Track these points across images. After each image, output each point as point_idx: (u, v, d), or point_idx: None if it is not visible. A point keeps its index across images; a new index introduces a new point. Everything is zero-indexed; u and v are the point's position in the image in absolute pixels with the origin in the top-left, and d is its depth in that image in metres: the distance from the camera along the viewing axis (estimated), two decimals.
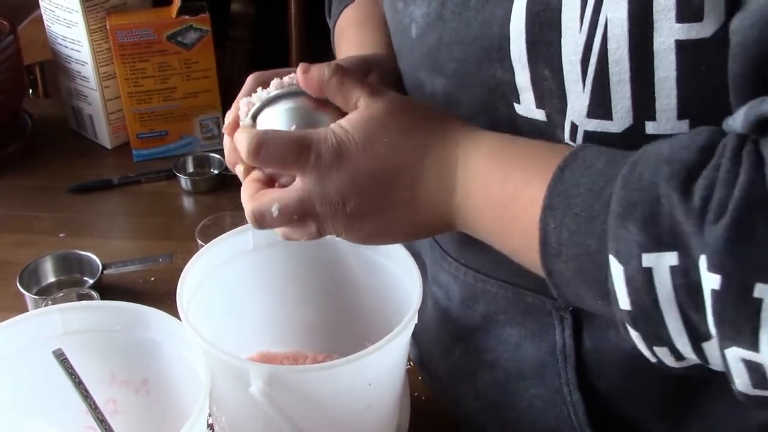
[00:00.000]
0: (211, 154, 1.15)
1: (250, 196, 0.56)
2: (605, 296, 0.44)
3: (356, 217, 0.53)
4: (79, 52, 1.15)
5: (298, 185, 0.54)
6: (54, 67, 1.24)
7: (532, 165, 0.49)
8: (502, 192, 0.50)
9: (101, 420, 0.61)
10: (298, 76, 0.56)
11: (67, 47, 1.16)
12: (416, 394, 0.77)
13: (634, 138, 0.47)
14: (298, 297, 0.75)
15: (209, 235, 0.84)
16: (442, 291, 0.67)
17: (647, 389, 0.58)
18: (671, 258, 0.40)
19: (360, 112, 0.54)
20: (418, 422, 0.73)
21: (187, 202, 1.11)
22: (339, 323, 0.75)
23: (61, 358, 0.62)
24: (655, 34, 0.44)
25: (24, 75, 1.25)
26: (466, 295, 0.64)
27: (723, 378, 0.43)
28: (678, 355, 0.43)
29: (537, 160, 0.50)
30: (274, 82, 0.58)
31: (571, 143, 0.50)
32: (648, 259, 0.40)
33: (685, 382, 0.57)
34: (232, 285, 0.71)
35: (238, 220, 0.96)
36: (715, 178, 0.39)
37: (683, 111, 0.46)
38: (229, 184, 1.12)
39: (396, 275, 0.68)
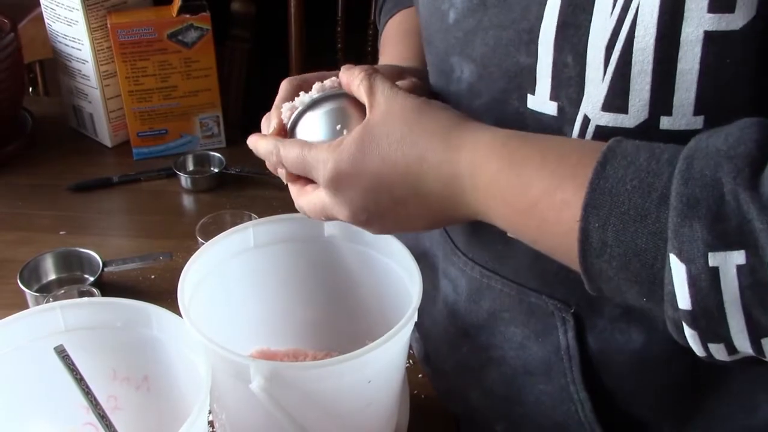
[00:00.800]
0: (211, 153, 1.16)
1: (294, 197, 0.61)
2: (651, 295, 0.43)
3: (374, 222, 0.56)
4: (80, 50, 1.15)
5: (317, 196, 0.58)
6: (54, 65, 1.24)
7: (555, 167, 0.47)
8: (526, 199, 0.48)
9: (102, 416, 0.61)
10: (340, 75, 0.58)
11: (67, 45, 1.17)
12: (416, 392, 0.77)
13: (647, 134, 0.47)
14: (299, 295, 0.75)
15: (209, 233, 0.84)
16: (451, 285, 0.68)
17: (654, 388, 0.59)
18: (739, 257, 0.39)
19: (363, 123, 0.55)
20: (418, 420, 0.73)
21: (187, 201, 1.11)
22: (339, 321, 0.75)
23: (62, 354, 0.62)
24: (684, 23, 0.45)
25: (24, 73, 1.25)
26: (473, 291, 0.65)
27: (731, 377, 0.43)
28: (732, 350, 0.42)
29: (559, 162, 0.48)
30: (316, 85, 0.60)
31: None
32: (715, 259, 0.39)
33: (691, 381, 0.57)
34: (233, 283, 0.72)
35: (238, 218, 0.97)
36: None
37: (700, 106, 0.46)
38: (228, 182, 1.12)
39: (396, 273, 0.68)
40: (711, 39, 0.45)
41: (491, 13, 0.54)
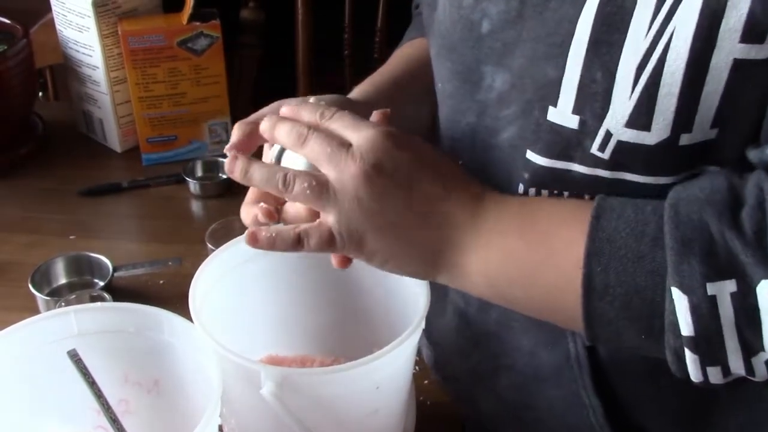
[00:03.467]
0: (220, 159, 1.16)
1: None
2: (650, 330, 0.48)
3: (378, 206, 0.53)
4: (91, 56, 1.16)
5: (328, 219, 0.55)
6: (64, 71, 1.25)
7: (557, 212, 0.54)
8: (536, 229, 0.54)
9: (114, 420, 0.62)
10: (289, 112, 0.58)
11: (78, 51, 1.18)
12: (421, 398, 0.78)
13: (666, 150, 0.50)
14: (307, 301, 0.76)
15: (218, 239, 0.85)
16: (461, 295, 0.68)
17: (665, 396, 0.60)
18: (731, 285, 0.45)
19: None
20: (424, 426, 0.74)
21: (196, 207, 1.12)
22: (347, 328, 0.76)
23: (75, 358, 0.63)
24: (715, 51, 0.47)
25: (36, 78, 1.26)
26: (482, 301, 0.65)
27: (741, 390, 0.46)
28: (726, 372, 0.47)
29: (549, 221, 0.54)
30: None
31: (599, 153, 0.52)
32: (712, 288, 0.46)
33: (702, 390, 0.58)
34: (243, 289, 0.72)
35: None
36: (765, 213, 0.45)
37: (717, 121, 0.49)
38: (237, 189, 1.12)
39: (404, 281, 0.69)
40: (738, 66, 0.47)
41: (528, 25, 0.54)
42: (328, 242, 0.54)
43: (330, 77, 1.96)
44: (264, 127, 0.58)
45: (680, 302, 0.46)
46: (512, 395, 0.67)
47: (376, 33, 1.82)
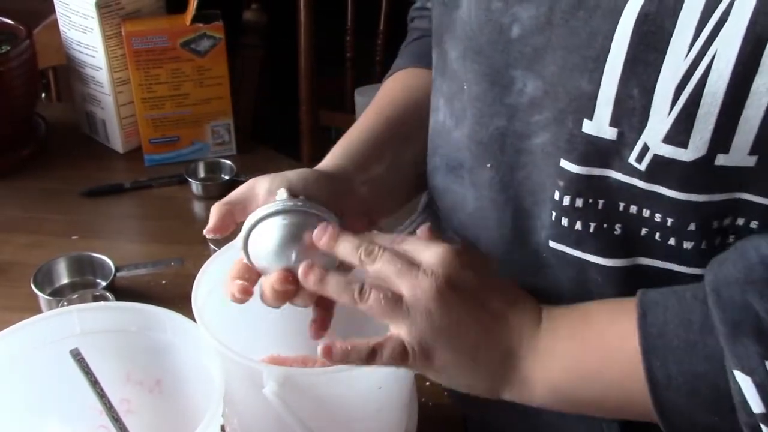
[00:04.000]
0: (222, 160, 1.17)
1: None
2: (720, 410, 0.50)
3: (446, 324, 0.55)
4: (94, 57, 1.16)
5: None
6: (67, 72, 1.26)
7: (605, 313, 0.56)
8: (592, 329, 0.56)
9: (116, 419, 0.62)
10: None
11: (81, 52, 1.18)
12: (423, 399, 0.78)
13: (701, 168, 0.50)
14: None
15: (220, 240, 0.85)
16: None
17: None
18: None
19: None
20: (425, 427, 0.74)
21: (198, 207, 1.12)
22: (349, 329, 0.76)
23: (77, 357, 0.63)
24: (757, 75, 0.46)
25: (39, 79, 1.27)
26: None
27: None
28: None
29: (600, 318, 0.56)
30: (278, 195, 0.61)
31: (636, 164, 0.52)
32: None
33: None
34: None
35: None
36: None
37: (756, 147, 0.49)
38: None
39: None
40: None
41: (557, 33, 0.54)
42: (401, 356, 0.55)
43: (332, 79, 1.96)
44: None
45: (745, 383, 0.48)
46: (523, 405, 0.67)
47: (378, 35, 1.82)
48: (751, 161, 0.49)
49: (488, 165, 0.62)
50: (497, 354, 0.56)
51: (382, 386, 0.63)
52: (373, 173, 0.71)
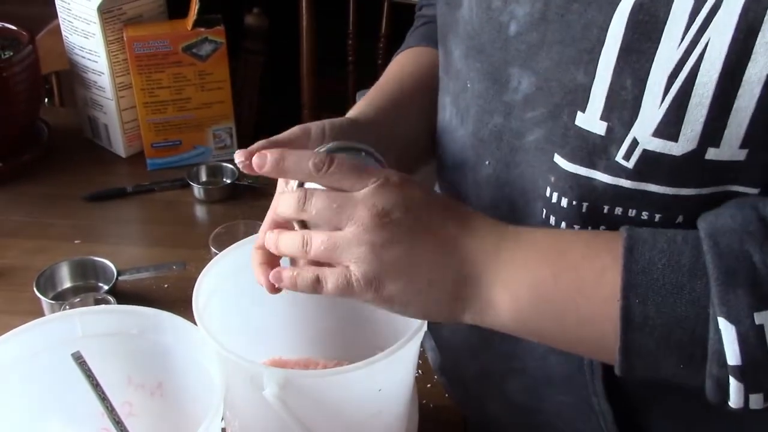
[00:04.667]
0: (224, 164, 1.17)
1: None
2: (690, 360, 0.49)
3: (392, 230, 0.53)
4: (96, 62, 1.17)
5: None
6: (70, 77, 1.26)
7: (588, 243, 0.53)
8: (566, 260, 0.53)
9: (118, 422, 0.62)
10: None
11: (84, 57, 1.19)
12: (424, 401, 0.78)
13: (691, 163, 0.50)
14: (310, 304, 0.76)
15: (222, 243, 0.86)
16: None
17: (676, 401, 0.60)
18: None
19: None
20: (426, 429, 0.74)
21: (200, 211, 1.13)
22: (350, 331, 0.76)
23: (79, 360, 0.63)
24: (750, 63, 0.46)
25: (42, 84, 1.27)
26: None
27: None
28: (767, 398, 0.48)
29: (588, 242, 0.53)
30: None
31: (623, 162, 0.52)
32: (759, 317, 0.46)
33: None
34: (246, 292, 0.72)
35: (251, 228, 0.98)
36: None
37: (747, 141, 0.48)
38: (241, 193, 1.14)
39: None
40: None
41: (552, 28, 0.54)
42: (345, 287, 0.54)
43: (334, 83, 1.97)
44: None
45: (727, 332, 0.47)
46: (521, 398, 0.67)
47: (380, 38, 1.82)
48: (742, 155, 0.49)
49: (486, 162, 0.63)
50: (452, 279, 0.54)
51: (382, 388, 0.63)
52: (400, 131, 0.71)
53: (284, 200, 0.57)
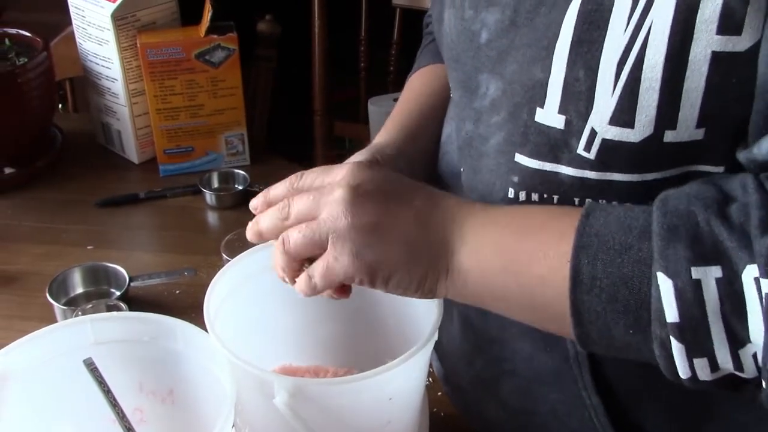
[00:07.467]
0: (236, 170, 1.18)
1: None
2: (638, 323, 0.48)
3: (360, 204, 0.55)
4: (110, 69, 1.18)
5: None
6: (83, 83, 1.27)
7: (549, 210, 0.55)
8: (527, 222, 0.54)
9: (129, 428, 0.62)
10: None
11: (97, 64, 1.19)
12: (435, 410, 0.78)
13: (651, 147, 0.50)
14: (321, 312, 0.76)
15: (234, 250, 0.86)
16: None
17: (665, 390, 0.60)
18: (716, 271, 0.45)
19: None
20: None
21: (212, 217, 1.13)
22: (360, 339, 0.76)
23: (91, 367, 0.63)
24: (693, 43, 0.47)
25: (55, 91, 1.28)
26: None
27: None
28: (714, 366, 0.46)
29: (549, 211, 0.54)
30: None
31: (585, 154, 0.52)
32: (697, 272, 0.45)
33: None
34: (257, 299, 0.73)
35: None
36: (747, 205, 0.45)
37: (702, 120, 0.49)
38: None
39: None
40: (717, 59, 0.47)
41: (521, 32, 0.55)
42: (332, 268, 0.55)
43: (345, 90, 1.97)
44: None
45: (665, 286, 0.46)
46: (515, 401, 0.68)
47: (392, 46, 1.83)
48: (700, 134, 0.49)
49: (462, 170, 0.64)
50: (426, 250, 0.55)
51: (392, 397, 0.63)
52: (424, 151, 0.73)
53: (264, 219, 0.59)
